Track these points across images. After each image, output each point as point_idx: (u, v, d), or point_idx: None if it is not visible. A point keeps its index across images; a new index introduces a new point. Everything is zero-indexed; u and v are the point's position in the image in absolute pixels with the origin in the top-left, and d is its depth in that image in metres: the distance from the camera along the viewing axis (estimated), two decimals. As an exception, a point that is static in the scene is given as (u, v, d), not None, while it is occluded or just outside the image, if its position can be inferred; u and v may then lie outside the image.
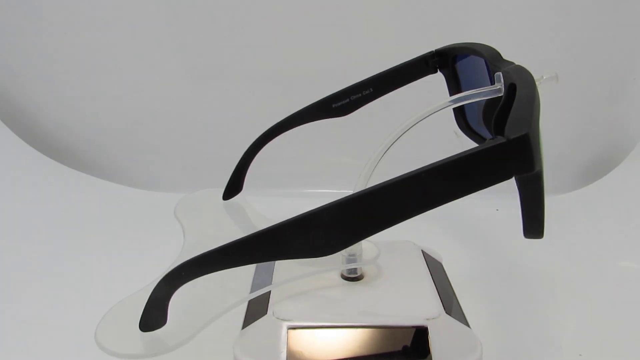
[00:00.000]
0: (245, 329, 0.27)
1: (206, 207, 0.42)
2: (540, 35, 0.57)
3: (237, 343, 0.26)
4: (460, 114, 0.35)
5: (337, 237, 0.21)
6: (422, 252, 0.34)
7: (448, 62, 0.34)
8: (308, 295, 0.28)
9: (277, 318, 0.26)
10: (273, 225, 0.22)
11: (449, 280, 0.31)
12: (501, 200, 0.55)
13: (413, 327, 0.25)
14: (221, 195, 0.42)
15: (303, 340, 0.25)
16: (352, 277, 0.30)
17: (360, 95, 0.35)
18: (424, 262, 0.32)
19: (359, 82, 0.35)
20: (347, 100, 0.35)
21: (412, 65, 0.34)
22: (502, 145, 0.18)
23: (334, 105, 0.35)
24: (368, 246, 0.32)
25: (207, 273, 0.24)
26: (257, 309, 0.28)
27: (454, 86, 0.35)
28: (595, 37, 0.57)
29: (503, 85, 0.26)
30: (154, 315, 0.26)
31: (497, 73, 0.27)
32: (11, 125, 0.57)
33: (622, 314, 0.34)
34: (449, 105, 0.28)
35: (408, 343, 0.25)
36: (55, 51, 0.57)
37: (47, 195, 0.52)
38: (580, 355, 0.30)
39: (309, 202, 0.51)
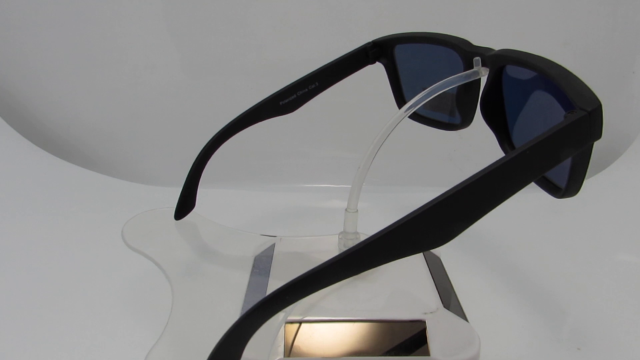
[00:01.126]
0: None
1: (163, 231, 0.37)
2: (538, 30, 0.56)
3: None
4: (402, 99, 0.35)
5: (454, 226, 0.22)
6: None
7: (387, 52, 0.34)
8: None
9: (274, 312, 0.26)
10: (401, 222, 0.20)
11: (447, 275, 0.31)
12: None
13: (411, 321, 0.25)
14: (172, 216, 0.38)
15: (300, 334, 0.25)
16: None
17: (306, 90, 0.34)
18: (422, 256, 0.32)
19: (304, 77, 0.34)
20: (294, 96, 0.34)
21: (353, 56, 0.34)
22: (584, 118, 0.20)
23: (281, 103, 0.34)
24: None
25: (320, 289, 0.21)
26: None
27: (393, 76, 0.35)
28: (595, 30, 0.57)
29: (482, 69, 0.27)
30: (230, 353, 0.22)
31: (476, 58, 0.27)
32: (9, 120, 0.57)
33: (621, 308, 0.34)
34: (425, 100, 0.28)
35: (406, 337, 0.25)
36: (53, 45, 0.57)
37: (46, 190, 0.52)
38: (578, 349, 0.30)
39: (301, 196, 0.52)
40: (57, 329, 0.31)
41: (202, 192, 0.54)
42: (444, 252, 0.36)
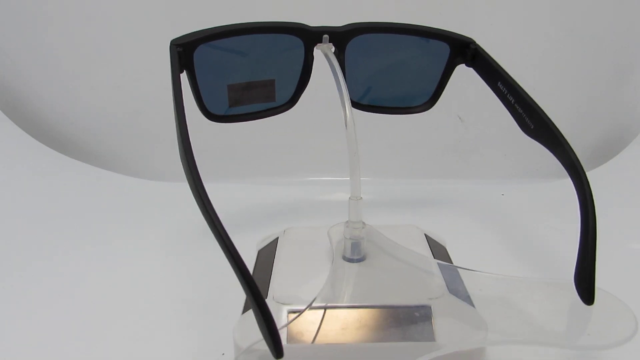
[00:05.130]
0: (245, 313, 0.27)
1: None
2: (546, 16, 0.56)
3: (237, 328, 0.26)
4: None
5: None
6: (426, 235, 0.33)
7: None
8: (309, 279, 0.28)
9: (278, 302, 0.26)
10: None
11: (452, 263, 0.31)
12: (506, 185, 0.54)
13: (416, 306, 0.25)
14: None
15: (303, 321, 0.25)
16: (354, 258, 0.29)
17: None
18: (427, 244, 0.31)
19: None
20: None
21: None
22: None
23: None
24: (372, 230, 0.31)
25: None
26: (257, 293, 0.28)
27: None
28: (603, 17, 0.56)
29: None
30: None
31: (325, 36, 0.29)
32: (12, 115, 0.57)
33: (632, 296, 0.34)
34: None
35: (411, 323, 0.24)
36: (55, 41, 0.57)
37: (48, 186, 0.52)
38: (588, 334, 0.29)
39: (305, 189, 0.52)
40: (57, 321, 0.31)
41: (205, 187, 0.54)
42: (452, 242, 0.35)
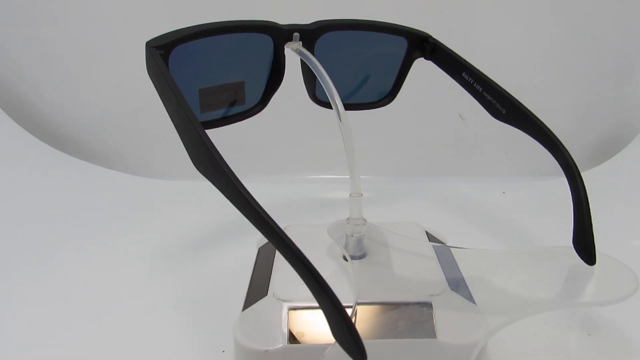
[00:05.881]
0: (245, 310, 0.27)
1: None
2: (547, 13, 0.56)
3: (238, 325, 0.26)
4: (311, 86, 0.34)
5: None
6: (426, 233, 0.33)
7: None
8: (309, 275, 0.28)
9: (278, 299, 0.26)
10: None
11: (454, 260, 0.31)
12: (507, 183, 0.54)
13: (417, 303, 0.25)
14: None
15: (304, 320, 0.25)
16: (355, 255, 0.29)
17: None
18: (428, 241, 0.31)
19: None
20: None
21: None
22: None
23: None
24: (372, 227, 0.31)
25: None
26: (257, 291, 0.28)
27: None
28: (603, 16, 0.56)
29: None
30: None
31: (295, 34, 0.29)
32: (12, 113, 0.57)
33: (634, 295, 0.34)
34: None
35: (412, 320, 0.24)
36: (55, 39, 0.57)
37: (48, 184, 0.52)
38: (589, 334, 0.29)
39: (305, 187, 0.52)
40: (58, 318, 0.31)
41: (204, 186, 0.54)
42: (453, 239, 0.35)
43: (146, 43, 0.26)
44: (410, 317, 0.24)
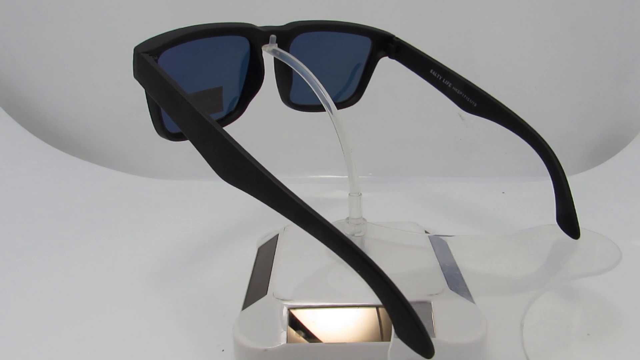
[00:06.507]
0: (244, 310, 0.27)
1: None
2: (547, 12, 0.56)
3: (237, 324, 0.26)
4: (286, 89, 0.34)
5: None
6: (426, 232, 0.33)
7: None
8: (309, 276, 0.28)
9: (277, 298, 0.26)
10: None
11: (454, 258, 0.31)
12: (507, 183, 0.54)
13: (416, 302, 0.25)
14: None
15: (303, 320, 0.25)
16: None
17: None
18: (428, 241, 0.31)
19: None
20: None
21: None
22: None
23: None
24: (372, 227, 0.31)
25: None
26: (257, 290, 0.28)
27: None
28: (604, 16, 0.56)
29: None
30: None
31: (272, 36, 0.29)
32: (12, 113, 0.57)
33: (632, 294, 0.34)
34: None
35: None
36: (55, 38, 0.57)
37: (48, 183, 0.52)
38: (588, 334, 0.29)
39: (304, 187, 0.52)
40: (58, 317, 0.31)
41: (203, 185, 0.54)
42: (452, 239, 0.35)
43: (135, 49, 0.25)
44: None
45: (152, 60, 0.24)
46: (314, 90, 0.28)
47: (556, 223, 0.32)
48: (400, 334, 0.20)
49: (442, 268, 0.28)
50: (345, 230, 0.29)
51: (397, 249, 0.29)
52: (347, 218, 0.30)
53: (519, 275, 0.29)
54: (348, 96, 0.37)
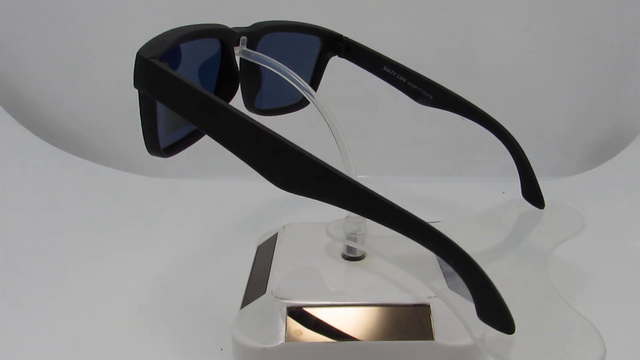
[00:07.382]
0: (243, 308, 0.27)
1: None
2: (547, 12, 0.56)
3: (236, 323, 0.26)
4: (252, 95, 0.33)
5: None
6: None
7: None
8: (308, 274, 0.28)
9: (276, 297, 0.26)
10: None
11: None
12: (507, 183, 0.54)
13: (415, 305, 0.25)
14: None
15: (302, 319, 0.25)
16: (353, 256, 0.29)
17: None
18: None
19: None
20: None
21: None
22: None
23: None
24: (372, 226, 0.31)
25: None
26: (256, 289, 0.28)
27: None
28: (604, 16, 0.56)
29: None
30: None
31: (243, 37, 0.28)
32: (12, 111, 0.57)
33: (635, 294, 0.34)
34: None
35: (410, 321, 0.24)
36: (56, 36, 0.57)
37: (49, 182, 0.51)
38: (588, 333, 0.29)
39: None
40: (58, 316, 0.31)
41: (203, 184, 0.54)
42: (453, 239, 0.35)
43: (139, 54, 0.22)
44: (408, 319, 0.24)
45: (165, 66, 0.21)
46: (293, 84, 0.28)
47: (522, 197, 0.35)
48: (483, 315, 0.22)
49: (441, 266, 0.28)
50: (345, 229, 0.29)
51: (397, 248, 0.29)
52: (347, 217, 0.30)
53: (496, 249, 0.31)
54: (299, 98, 0.36)
